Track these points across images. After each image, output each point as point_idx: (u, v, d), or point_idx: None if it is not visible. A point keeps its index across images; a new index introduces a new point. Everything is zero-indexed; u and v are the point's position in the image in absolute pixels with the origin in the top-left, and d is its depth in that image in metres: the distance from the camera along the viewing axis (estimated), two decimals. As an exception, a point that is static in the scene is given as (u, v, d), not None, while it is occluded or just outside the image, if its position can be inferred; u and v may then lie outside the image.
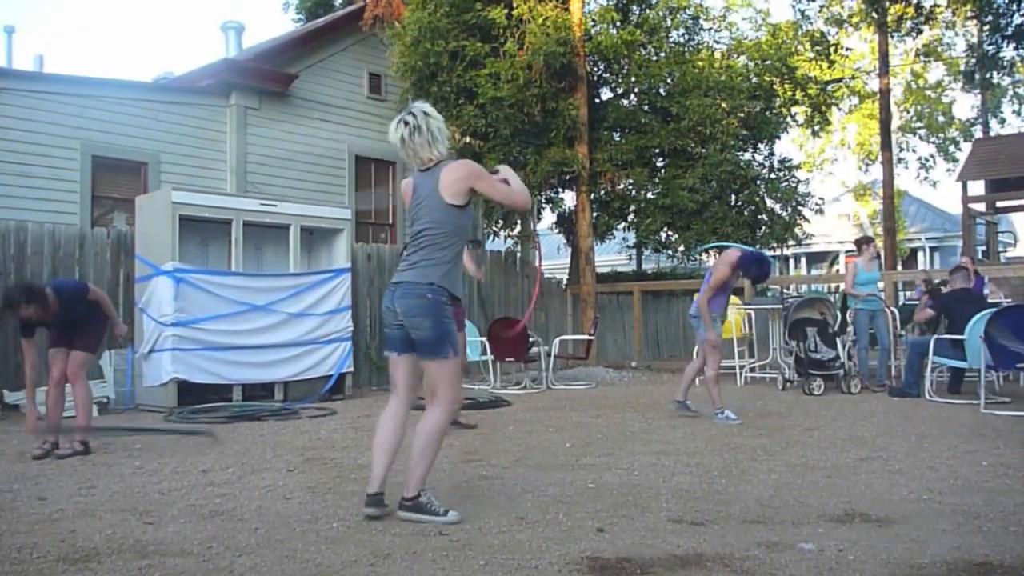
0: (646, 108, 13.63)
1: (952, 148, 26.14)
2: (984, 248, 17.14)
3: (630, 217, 13.68)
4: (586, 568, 2.84)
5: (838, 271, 26.95)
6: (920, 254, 29.79)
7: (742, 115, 12.86)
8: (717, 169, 12.24)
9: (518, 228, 14.04)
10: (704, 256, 14.34)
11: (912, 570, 2.79)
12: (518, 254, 13.31)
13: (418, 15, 11.43)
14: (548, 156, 11.80)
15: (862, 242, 9.12)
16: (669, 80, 13.13)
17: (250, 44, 14.54)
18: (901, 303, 11.86)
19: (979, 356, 6.96)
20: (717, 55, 14.11)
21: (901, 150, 25.95)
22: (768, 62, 13.47)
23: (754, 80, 13.27)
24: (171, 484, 4.33)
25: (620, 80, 13.42)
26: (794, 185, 13.43)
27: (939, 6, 17.27)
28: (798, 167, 14.59)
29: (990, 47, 15.02)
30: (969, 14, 17.82)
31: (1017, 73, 19.16)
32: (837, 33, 20.43)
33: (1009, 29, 14.13)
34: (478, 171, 3.62)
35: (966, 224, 16.29)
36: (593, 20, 12.86)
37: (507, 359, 9.58)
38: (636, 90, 13.51)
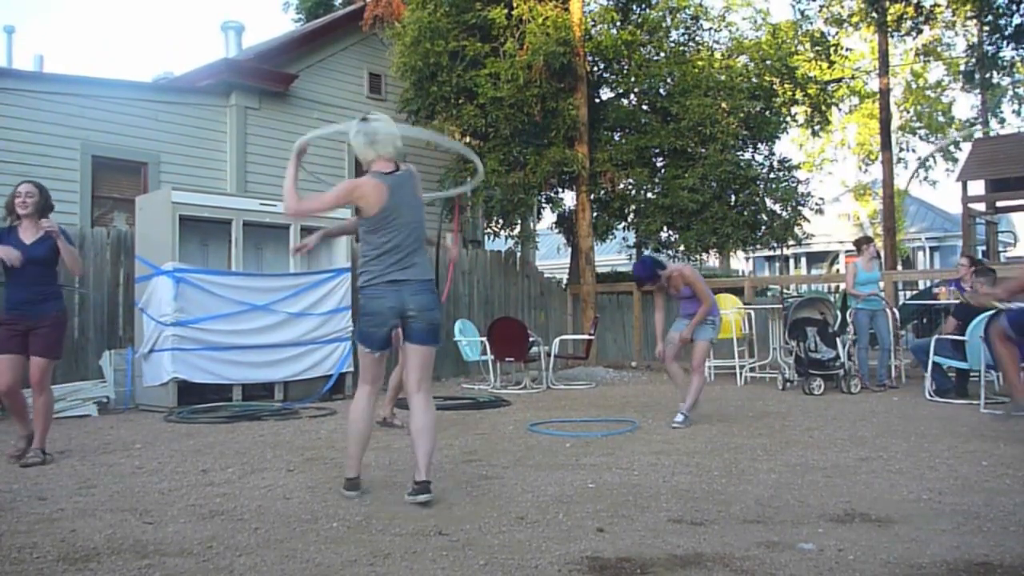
0: (646, 108, 13.64)
1: (952, 148, 26.15)
2: (984, 248, 17.12)
3: (630, 217, 13.68)
4: (586, 568, 2.84)
5: (838, 271, 26.97)
6: (920, 254, 29.82)
7: (742, 115, 12.86)
8: (717, 169, 12.24)
9: (518, 228, 14.05)
10: (704, 256, 14.34)
11: (912, 570, 2.79)
12: (518, 254, 13.30)
13: (418, 15, 11.44)
14: (548, 156, 11.80)
15: (862, 242, 9.13)
16: (669, 80, 13.13)
17: (250, 44, 14.54)
18: (901, 303, 11.86)
19: (979, 357, 6.95)
20: (717, 55, 14.10)
21: (901, 150, 25.96)
22: (768, 62, 13.46)
23: (754, 80, 13.26)
24: (171, 484, 4.33)
25: (620, 80, 13.42)
26: (794, 185, 13.43)
27: (939, 6, 17.28)
28: (798, 167, 14.59)
29: (990, 47, 15.03)
30: (969, 14, 17.82)
31: (1017, 73, 19.16)
32: (837, 33, 20.42)
33: (1009, 29, 14.13)
34: None
35: (966, 224, 16.29)
36: (593, 20, 12.87)
37: (507, 359, 9.59)
38: (636, 90, 13.51)
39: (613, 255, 23.54)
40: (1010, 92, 24.63)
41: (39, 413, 5.02)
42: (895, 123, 23.85)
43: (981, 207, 16.67)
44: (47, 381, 5.05)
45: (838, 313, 9.11)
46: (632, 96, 13.81)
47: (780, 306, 9.91)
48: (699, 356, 6.47)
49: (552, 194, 13.63)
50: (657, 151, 13.18)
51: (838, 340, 8.49)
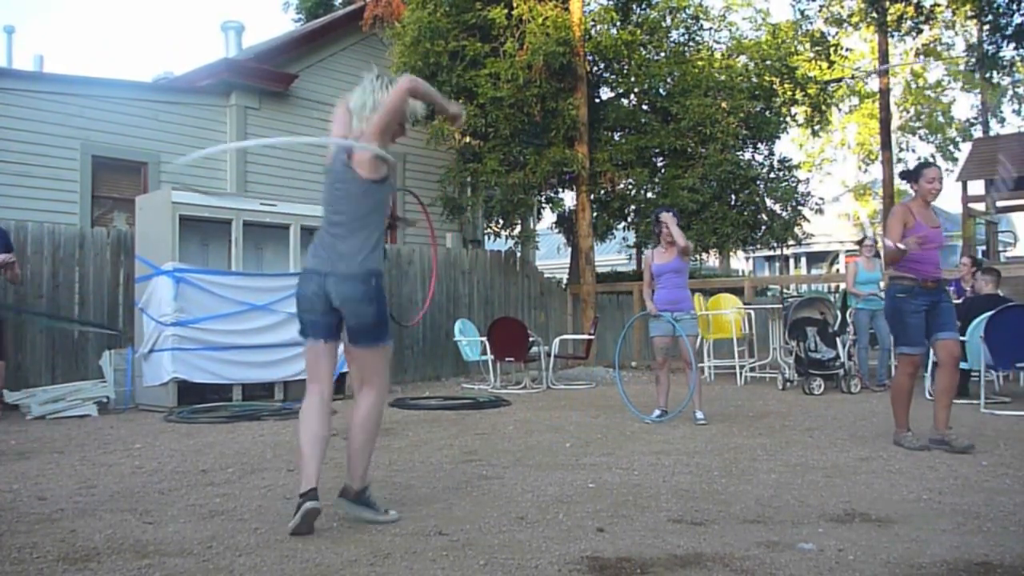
0: (646, 108, 13.64)
1: (952, 148, 26.13)
2: (984, 248, 17.12)
3: (630, 217, 13.68)
4: (586, 568, 2.84)
5: (838, 271, 26.97)
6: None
7: (742, 115, 12.86)
8: (717, 169, 12.24)
9: (518, 228, 14.06)
10: (704, 256, 14.34)
11: (912, 570, 2.79)
12: (518, 254, 13.30)
13: (418, 15, 11.44)
14: (548, 156, 11.80)
15: (863, 241, 9.16)
16: (669, 80, 13.13)
17: (250, 44, 14.53)
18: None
19: (979, 357, 6.95)
20: (717, 55, 14.11)
21: (901, 150, 25.94)
22: (768, 62, 13.47)
23: (754, 80, 13.27)
24: (171, 484, 4.33)
25: (620, 80, 13.42)
26: (794, 185, 13.44)
27: (939, 6, 17.26)
28: (798, 167, 14.60)
29: (990, 47, 15.02)
30: (969, 14, 17.81)
31: (1017, 73, 19.14)
32: (837, 33, 20.42)
33: (1009, 29, 14.13)
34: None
35: (966, 224, 16.29)
36: (593, 20, 12.87)
37: (507, 359, 9.59)
38: (636, 90, 13.52)
39: (613, 255, 23.54)
40: (1010, 92, 24.62)
41: None
42: (895, 123, 23.84)
43: (981, 207, 16.67)
44: None
45: (838, 313, 9.12)
46: (632, 96, 13.81)
47: (780, 306, 9.91)
48: (687, 351, 6.54)
49: (552, 194, 13.63)
50: (657, 151, 13.18)
51: (838, 340, 8.49)
